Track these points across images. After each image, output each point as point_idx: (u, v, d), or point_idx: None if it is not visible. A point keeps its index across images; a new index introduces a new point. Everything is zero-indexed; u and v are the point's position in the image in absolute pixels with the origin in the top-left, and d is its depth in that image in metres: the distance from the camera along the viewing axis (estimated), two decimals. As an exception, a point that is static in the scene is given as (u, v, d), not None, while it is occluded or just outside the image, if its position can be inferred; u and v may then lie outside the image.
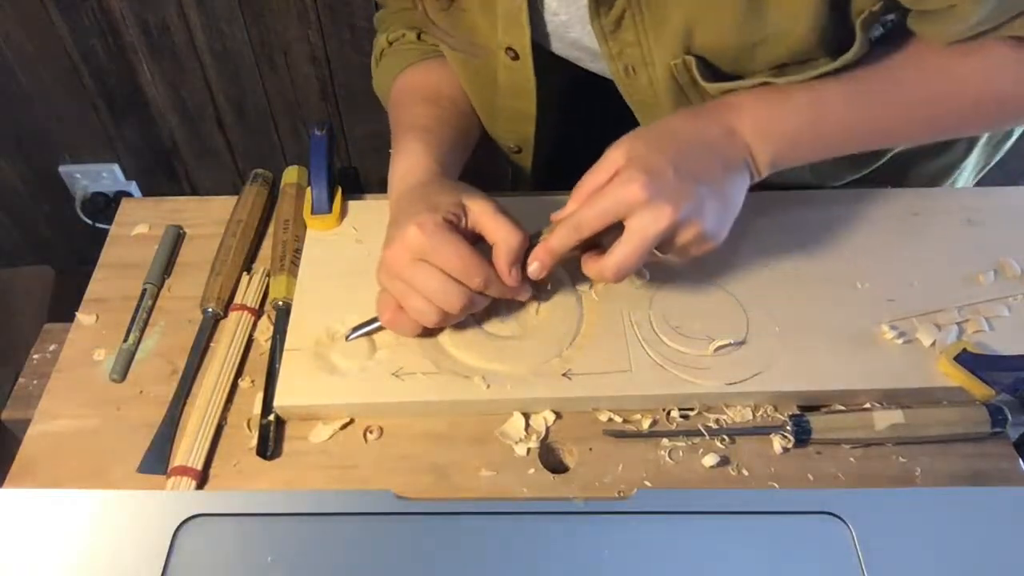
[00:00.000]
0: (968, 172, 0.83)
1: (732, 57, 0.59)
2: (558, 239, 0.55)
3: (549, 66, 0.68)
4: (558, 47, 0.67)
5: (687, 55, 0.59)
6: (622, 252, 0.53)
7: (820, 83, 0.58)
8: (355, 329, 0.62)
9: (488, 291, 0.57)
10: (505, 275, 0.56)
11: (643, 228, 0.52)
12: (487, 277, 0.56)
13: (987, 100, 0.59)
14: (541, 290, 0.65)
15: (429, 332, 0.62)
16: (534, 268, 0.57)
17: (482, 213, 0.56)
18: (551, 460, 0.59)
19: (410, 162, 0.64)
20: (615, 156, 0.55)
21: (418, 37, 0.75)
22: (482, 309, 0.60)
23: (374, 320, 0.62)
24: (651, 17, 0.58)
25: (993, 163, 0.85)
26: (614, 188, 0.53)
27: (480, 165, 0.76)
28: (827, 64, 0.57)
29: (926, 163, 0.78)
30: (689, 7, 0.56)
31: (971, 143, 0.78)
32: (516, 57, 0.65)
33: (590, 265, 0.57)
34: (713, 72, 0.60)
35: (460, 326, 0.63)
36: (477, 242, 0.57)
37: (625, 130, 0.58)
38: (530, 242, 0.57)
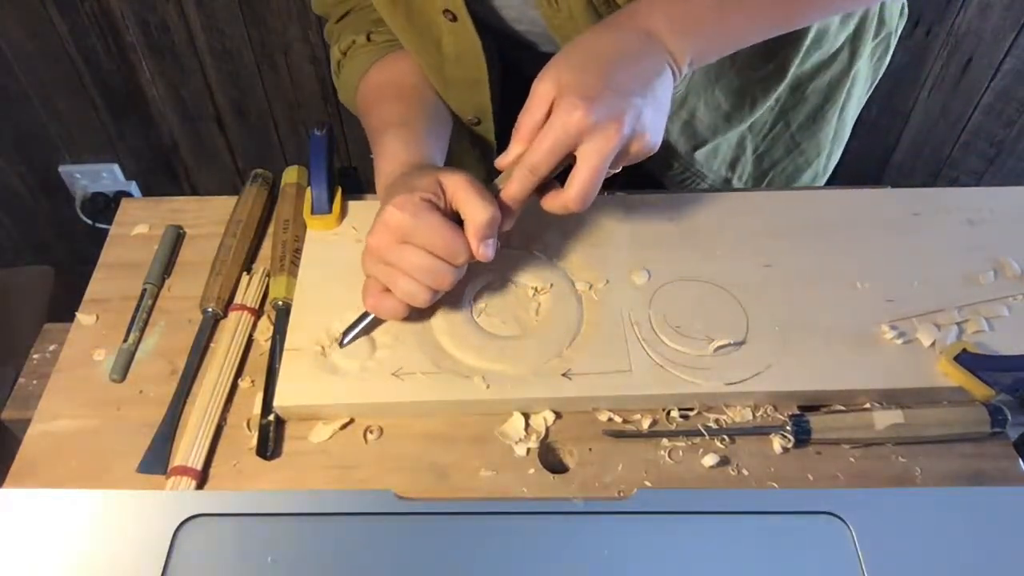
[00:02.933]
0: (860, 86, 0.85)
1: None
2: (518, 185, 0.56)
3: (492, 32, 0.69)
4: (490, 3, 0.67)
5: None
6: (581, 179, 0.54)
7: None
8: (347, 332, 0.62)
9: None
10: (476, 251, 0.56)
11: (596, 151, 0.53)
12: (471, 254, 0.57)
13: None
14: (541, 290, 0.65)
15: (418, 315, 0.62)
16: (506, 223, 0.57)
17: (456, 188, 0.56)
18: (551, 460, 0.59)
19: (389, 162, 0.65)
20: (544, 89, 0.55)
21: (368, 39, 0.75)
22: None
23: (363, 316, 0.62)
24: None
25: (880, 77, 0.88)
26: (558, 121, 0.53)
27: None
28: None
29: (820, 78, 0.80)
30: None
31: (853, 54, 0.80)
32: (454, 19, 0.66)
33: (551, 201, 0.58)
34: None
35: (460, 326, 0.63)
36: (461, 220, 0.58)
37: None
38: (492, 188, 0.58)
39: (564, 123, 0.53)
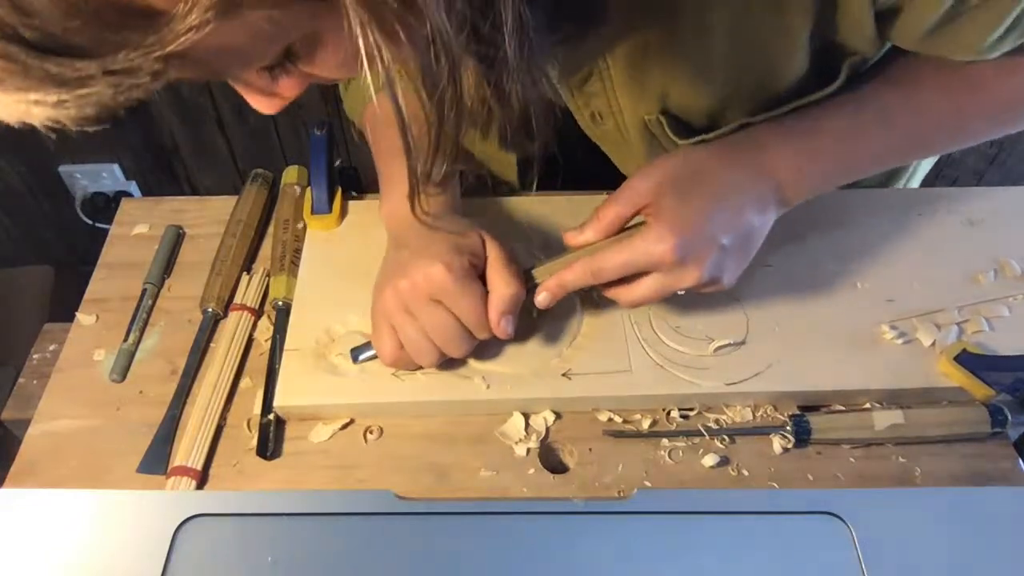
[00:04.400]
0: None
1: (706, 114, 0.58)
2: (574, 277, 0.55)
3: None
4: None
5: (660, 114, 0.58)
6: (642, 293, 0.54)
7: (850, 115, 0.56)
8: (358, 350, 0.60)
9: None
10: (494, 323, 0.56)
11: (665, 284, 0.54)
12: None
13: (1011, 107, 0.57)
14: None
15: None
16: (542, 298, 0.56)
17: (495, 260, 0.56)
18: (551, 460, 0.59)
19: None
20: (644, 189, 0.54)
21: None
22: None
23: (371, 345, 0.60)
24: (619, 76, 0.58)
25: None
26: (642, 245, 0.52)
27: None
28: (801, 100, 0.56)
29: None
30: (669, 70, 0.55)
31: None
32: None
33: (607, 289, 0.57)
34: (685, 127, 0.59)
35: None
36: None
37: None
38: (530, 271, 0.57)
39: (647, 251, 0.52)
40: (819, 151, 0.56)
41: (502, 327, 0.56)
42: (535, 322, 0.64)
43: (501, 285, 0.55)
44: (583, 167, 0.68)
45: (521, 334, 0.63)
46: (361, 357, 0.60)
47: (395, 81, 0.35)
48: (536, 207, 0.70)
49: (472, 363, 0.61)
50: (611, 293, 0.57)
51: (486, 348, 0.61)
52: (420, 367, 0.59)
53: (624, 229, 0.55)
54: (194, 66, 0.31)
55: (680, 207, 0.52)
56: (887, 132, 0.57)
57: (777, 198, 0.56)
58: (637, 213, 0.54)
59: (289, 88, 0.39)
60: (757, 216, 0.55)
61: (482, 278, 0.57)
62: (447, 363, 0.60)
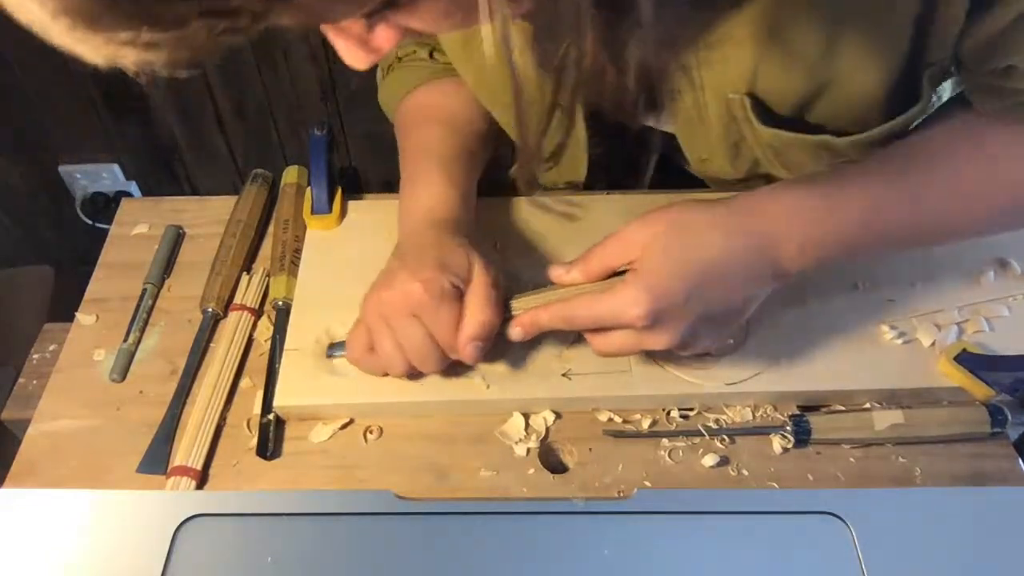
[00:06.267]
0: None
1: (793, 103, 0.57)
2: (548, 318, 0.55)
3: None
4: None
5: (746, 94, 0.57)
6: (610, 345, 0.54)
7: (875, 185, 0.54)
8: (335, 347, 0.61)
9: None
10: (461, 348, 0.55)
11: (636, 343, 0.53)
12: None
13: None
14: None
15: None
16: (516, 332, 0.56)
17: (477, 284, 0.56)
18: (551, 460, 0.59)
19: (435, 195, 0.62)
20: (635, 241, 0.52)
21: (430, 55, 0.71)
22: None
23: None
24: (704, 52, 0.56)
25: None
26: (616, 305, 0.51)
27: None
28: (884, 126, 0.55)
29: None
30: (757, 47, 0.53)
31: None
32: None
33: (588, 337, 0.56)
34: (770, 115, 0.57)
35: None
36: None
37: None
38: (509, 301, 0.57)
39: (619, 312, 0.51)
40: (831, 229, 0.53)
41: (469, 351, 0.55)
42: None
43: (476, 310, 0.55)
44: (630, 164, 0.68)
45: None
46: (337, 355, 0.61)
47: (510, 39, 0.32)
48: (532, 209, 0.70)
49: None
50: (586, 336, 0.56)
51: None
52: (385, 374, 0.59)
53: (616, 273, 0.54)
54: (296, 10, 0.30)
55: (662, 271, 0.51)
56: (913, 215, 0.54)
57: (775, 273, 0.53)
58: (626, 264, 0.53)
59: (385, 40, 0.37)
60: (746, 290, 0.53)
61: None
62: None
